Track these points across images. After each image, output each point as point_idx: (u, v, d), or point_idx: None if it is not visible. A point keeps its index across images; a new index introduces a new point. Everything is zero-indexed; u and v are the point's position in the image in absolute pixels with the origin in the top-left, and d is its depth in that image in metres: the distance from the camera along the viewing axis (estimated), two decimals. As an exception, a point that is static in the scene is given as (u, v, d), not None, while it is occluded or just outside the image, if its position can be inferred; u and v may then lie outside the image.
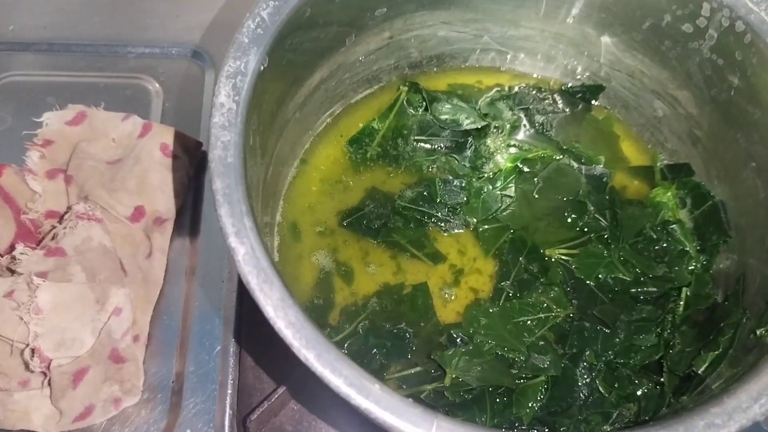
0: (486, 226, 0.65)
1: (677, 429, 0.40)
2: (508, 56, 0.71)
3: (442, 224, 0.65)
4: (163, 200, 0.66)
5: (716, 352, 0.54)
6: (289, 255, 0.62)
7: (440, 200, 0.65)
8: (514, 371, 0.57)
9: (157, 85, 0.78)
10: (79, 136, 0.69)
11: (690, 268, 0.63)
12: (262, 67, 0.49)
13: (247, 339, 0.63)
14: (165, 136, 0.69)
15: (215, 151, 0.45)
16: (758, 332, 0.50)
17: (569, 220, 0.65)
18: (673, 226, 0.64)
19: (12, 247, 0.61)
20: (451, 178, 0.66)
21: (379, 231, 0.63)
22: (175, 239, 0.68)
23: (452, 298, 0.62)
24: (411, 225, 0.64)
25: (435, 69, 0.71)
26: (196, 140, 0.69)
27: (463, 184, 0.66)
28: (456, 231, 0.65)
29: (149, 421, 0.60)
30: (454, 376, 0.56)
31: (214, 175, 0.44)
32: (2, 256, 0.61)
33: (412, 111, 0.69)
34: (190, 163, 0.69)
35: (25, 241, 0.62)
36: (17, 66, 0.77)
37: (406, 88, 0.69)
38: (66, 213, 0.64)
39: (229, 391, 0.62)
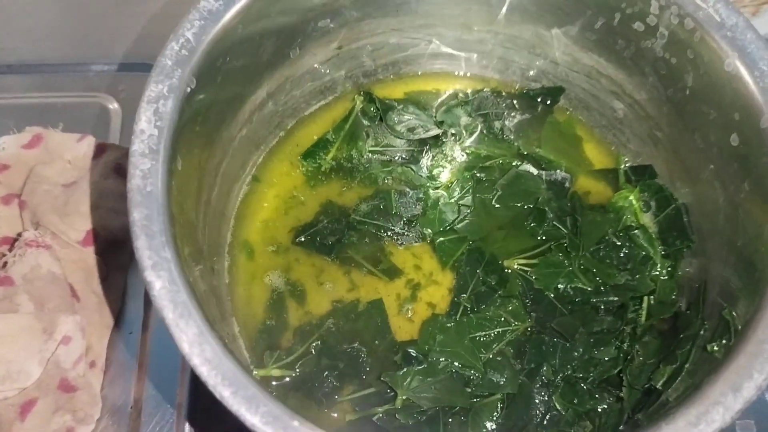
0: (443, 238, 0.63)
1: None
2: (464, 61, 0.69)
3: (398, 238, 0.63)
4: (118, 221, 0.65)
5: (674, 366, 0.52)
6: (241, 276, 0.61)
7: (396, 212, 0.63)
8: (469, 390, 0.55)
9: (116, 104, 0.77)
10: (35, 159, 0.69)
11: (654, 274, 0.61)
12: (188, 89, 0.48)
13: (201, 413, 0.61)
14: (119, 156, 0.68)
15: (133, 181, 0.43)
16: (709, 347, 0.48)
17: (528, 228, 0.63)
18: (636, 231, 0.62)
19: None
20: (407, 189, 0.64)
21: (333, 247, 0.62)
22: (134, 260, 0.66)
23: (409, 314, 0.61)
24: (366, 240, 0.62)
25: (391, 76, 0.70)
26: None
27: (420, 196, 0.64)
28: (413, 244, 0.63)
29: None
30: (404, 397, 0.54)
31: (131, 205, 0.43)
32: None
33: (367, 122, 0.67)
34: None
35: None
36: (-29, 88, 0.77)
37: (360, 98, 0.68)
38: (17, 239, 0.64)
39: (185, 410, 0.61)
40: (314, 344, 0.58)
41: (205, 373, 0.39)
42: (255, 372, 0.56)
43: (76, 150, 0.69)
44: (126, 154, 0.67)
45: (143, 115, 0.45)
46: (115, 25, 0.81)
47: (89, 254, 0.64)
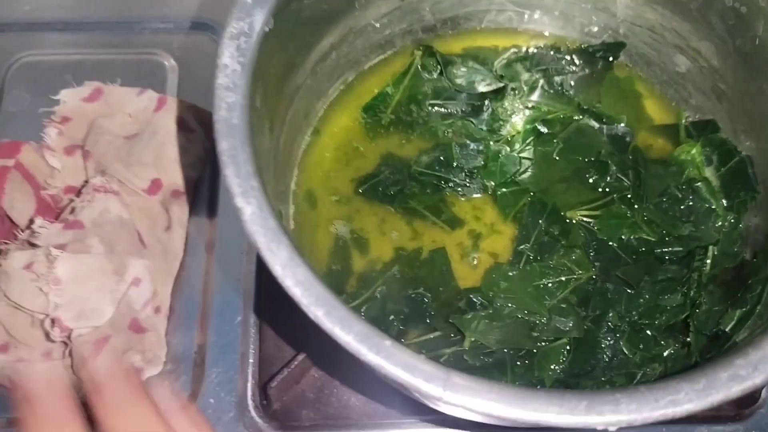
0: (504, 190, 0.63)
1: (699, 381, 0.39)
2: (525, 16, 0.69)
3: (460, 189, 0.63)
4: (180, 173, 0.66)
5: (744, 309, 0.52)
6: (305, 223, 0.62)
7: (457, 164, 0.63)
8: (535, 334, 0.56)
9: (172, 60, 0.77)
10: (95, 112, 0.70)
11: (717, 225, 0.61)
12: (267, 29, 0.48)
13: (266, 309, 0.63)
14: (180, 109, 0.68)
15: (220, 113, 0.44)
16: (785, 286, 0.49)
17: (590, 181, 0.63)
18: (699, 184, 0.62)
19: (32, 222, 0.62)
20: (467, 141, 0.65)
21: (395, 197, 0.62)
22: (194, 213, 0.68)
23: (471, 262, 0.61)
24: (427, 190, 0.63)
25: (450, 32, 0.70)
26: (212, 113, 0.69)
27: (481, 148, 0.64)
28: (474, 195, 0.64)
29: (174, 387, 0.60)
30: (473, 339, 0.55)
31: (218, 136, 0.43)
32: (23, 231, 0.61)
33: (426, 75, 0.67)
34: (206, 136, 0.68)
35: (45, 216, 0.63)
36: (34, 45, 0.78)
37: (420, 53, 0.68)
38: (83, 187, 0.65)
39: (251, 361, 0.62)
40: (379, 289, 0.59)
41: (299, 294, 0.39)
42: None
43: (136, 103, 0.69)
44: (187, 108, 0.69)
45: (226, 50, 0.46)
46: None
47: (154, 203, 0.65)
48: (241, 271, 0.65)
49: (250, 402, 0.60)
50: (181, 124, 0.68)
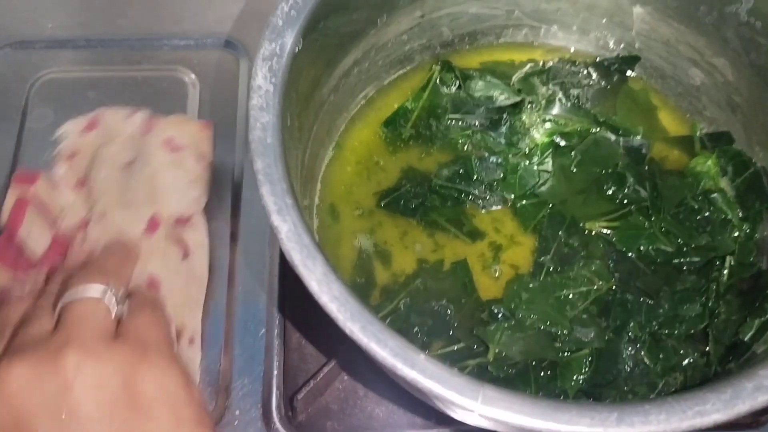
0: (524, 202, 0.64)
1: (725, 392, 0.40)
2: (541, 31, 0.70)
3: (480, 201, 0.65)
4: (178, 199, 0.64)
5: (763, 318, 0.53)
6: (329, 237, 0.63)
7: (477, 177, 0.65)
8: (557, 345, 0.57)
9: (193, 76, 0.79)
10: (96, 141, 0.68)
11: (734, 236, 0.62)
12: (297, 49, 0.50)
13: (292, 319, 0.64)
14: (168, 129, 0.66)
15: (255, 132, 0.45)
16: (804, 296, 0.50)
17: (608, 192, 0.64)
18: (715, 195, 0.63)
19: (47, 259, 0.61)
20: (487, 154, 0.66)
21: (417, 210, 0.63)
22: (215, 226, 0.68)
23: (493, 274, 0.62)
24: (448, 203, 0.64)
25: (467, 47, 0.71)
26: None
27: (500, 161, 0.65)
28: (494, 208, 0.65)
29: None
30: (497, 350, 0.56)
31: (254, 155, 0.45)
32: (33, 267, 0.61)
33: (445, 90, 0.69)
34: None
35: (57, 253, 0.62)
36: (57, 63, 0.79)
37: (438, 67, 0.69)
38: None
39: (275, 372, 0.63)
40: (402, 302, 0.60)
41: (335, 309, 0.40)
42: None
43: (128, 126, 0.67)
44: (175, 126, 0.67)
45: (260, 71, 0.47)
46: (190, 2, 0.83)
47: (157, 240, 0.62)
48: (266, 281, 0.66)
49: (275, 414, 0.61)
50: (170, 145, 0.65)
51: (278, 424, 0.60)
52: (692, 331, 0.58)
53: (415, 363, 0.39)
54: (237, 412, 0.61)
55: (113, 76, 0.79)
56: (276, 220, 0.43)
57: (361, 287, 0.61)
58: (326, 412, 0.62)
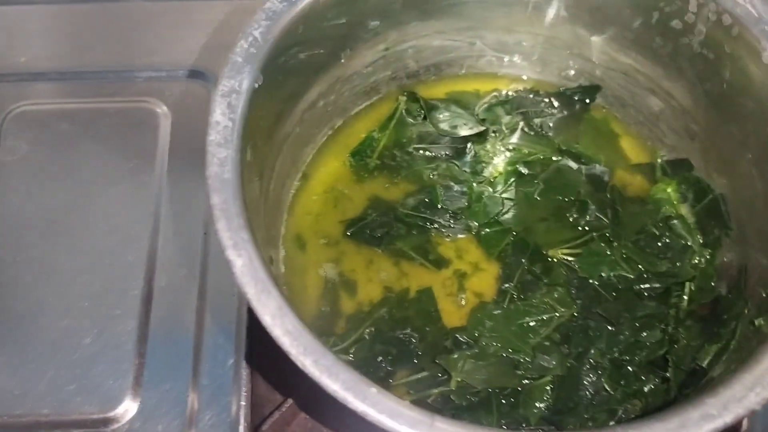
0: (488, 230, 0.65)
1: (672, 421, 0.40)
2: (504, 61, 0.71)
3: (444, 230, 0.65)
4: None
5: (719, 345, 0.54)
6: (295, 266, 0.64)
7: (442, 206, 0.66)
8: (519, 372, 0.58)
9: (165, 108, 0.79)
10: None
11: (694, 262, 0.63)
12: (256, 85, 0.51)
13: (257, 355, 0.65)
14: None
15: (212, 168, 0.46)
16: (757, 322, 0.51)
17: (571, 220, 0.65)
18: (675, 221, 0.64)
19: None
20: (452, 183, 0.67)
21: (382, 239, 0.64)
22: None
23: (457, 301, 0.63)
24: (413, 232, 0.65)
25: (433, 78, 0.73)
26: None
27: (464, 190, 0.66)
28: (459, 236, 0.66)
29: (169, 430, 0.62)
30: (459, 379, 0.57)
31: (210, 191, 0.45)
32: None
33: (411, 120, 0.70)
34: None
35: None
36: (30, 95, 0.80)
37: (404, 98, 0.70)
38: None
39: (243, 404, 0.63)
40: (367, 330, 0.60)
41: (288, 343, 0.41)
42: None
43: None
44: None
45: (218, 107, 0.48)
46: (161, 34, 0.84)
47: None
48: (233, 315, 0.66)
49: None
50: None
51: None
52: (652, 358, 0.59)
53: (366, 396, 0.40)
54: (204, 443, 0.62)
55: (86, 108, 0.80)
56: (231, 254, 0.43)
57: (327, 316, 0.62)
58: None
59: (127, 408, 0.63)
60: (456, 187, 0.66)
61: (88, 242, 0.71)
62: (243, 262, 0.43)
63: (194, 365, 0.65)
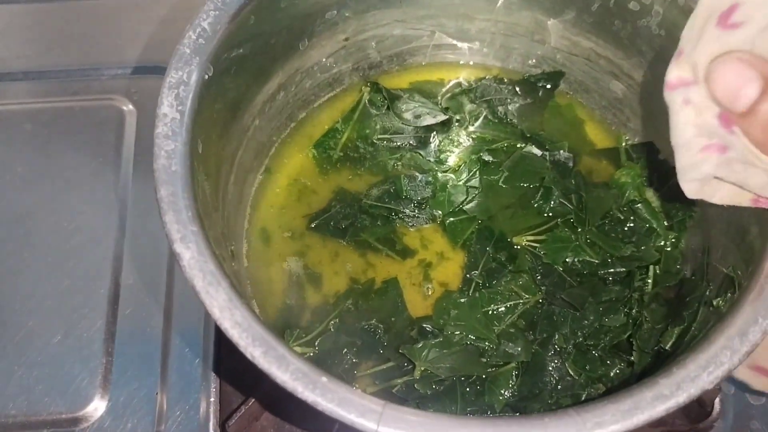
0: (453, 219, 0.65)
1: (625, 402, 0.40)
2: (466, 50, 0.71)
3: (409, 220, 0.65)
4: None
5: (681, 327, 0.54)
6: (259, 260, 0.63)
7: (406, 196, 0.65)
8: (484, 360, 0.57)
9: (130, 105, 0.79)
10: None
11: (658, 245, 0.63)
12: (206, 77, 0.50)
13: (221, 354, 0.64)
14: None
15: (159, 161, 0.46)
16: (715, 302, 0.50)
17: (535, 206, 0.65)
18: (639, 205, 0.64)
19: None
20: (416, 174, 0.67)
21: (347, 231, 0.64)
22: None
23: (423, 291, 0.63)
24: (378, 222, 0.64)
25: (396, 68, 0.72)
26: None
27: (429, 179, 0.66)
28: (424, 225, 0.65)
29: (138, 428, 0.62)
30: (423, 368, 0.56)
31: (158, 183, 0.45)
32: None
33: (374, 111, 0.69)
34: None
35: None
36: (-6, 96, 0.79)
37: (368, 89, 0.70)
38: None
39: (212, 399, 0.63)
40: (332, 322, 0.60)
41: (236, 335, 0.41)
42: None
43: None
44: None
45: (165, 99, 0.48)
46: (125, 30, 0.84)
47: None
48: (201, 314, 0.67)
49: None
50: None
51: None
52: (617, 342, 0.58)
53: (316, 386, 0.40)
54: (174, 439, 0.62)
55: (50, 107, 0.79)
56: (178, 247, 0.43)
57: (292, 310, 0.62)
58: (260, 439, 0.62)
59: (96, 407, 0.63)
60: (420, 177, 0.66)
61: (54, 241, 0.71)
62: (191, 254, 0.43)
63: (162, 363, 0.65)
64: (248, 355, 0.40)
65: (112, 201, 0.73)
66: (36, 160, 0.75)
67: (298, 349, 0.59)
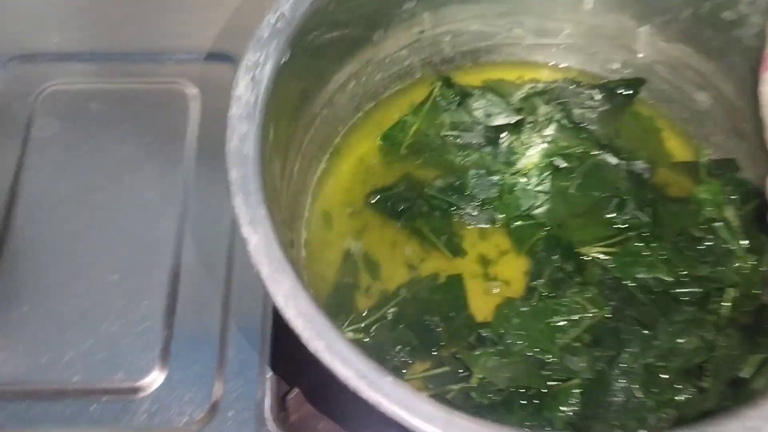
0: (520, 222, 0.63)
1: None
2: (545, 50, 0.69)
3: (469, 218, 0.63)
4: None
5: (763, 355, 0.51)
6: (318, 246, 0.62)
7: (470, 192, 0.63)
8: (545, 373, 0.55)
9: (195, 90, 0.78)
10: None
11: (736, 266, 0.60)
12: (282, 61, 0.49)
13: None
14: None
15: (231, 143, 0.44)
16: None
17: (607, 217, 0.62)
18: (718, 224, 0.61)
19: None
20: (485, 171, 0.64)
21: (403, 213, 0.62)
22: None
23: (485, 293, 0.60)
24: (436, 213, 0.62)
25: (469, 64, 0.70)
26: None
27: (497, 180, 0.64)
28: (484, 225, 0.63)
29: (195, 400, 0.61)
30: (481, 376, 0.54)
31: (230, 165, 0.44)
32: None
33: (445, 106, 0.67)
34: None
35: None
36: (61, 75, 0.79)
37: (439, 83, 0.68)
38: None
39: (269, 375, 0.62)
40: (391, 311, 0.58)
41: (300, 325, 0.39)
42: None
43: None
44: None
45: (241, 81, 0.47)
46: (196, 17, 0.83)
47: None
48: (260, 294, 0.65)
49: (268, 415, 0.59)
50: None
51: (271, 426, 0.59)
52: (689, 366, 0.55)
53: (382, 386, 0.38)
54: (230, 413, 0.60)
55: (116, 88, 0.79)
56: (246, 231, 0.41)
57: (347, 293, 0.60)
58: (318, 414, 0.60)
59: (155, 378, 0.63)
60: (489, 176, 0.64)
61: (117, 219, 0.70)
62: (258, 239, 0.41)
63: (221, 339, 0.64)
64: (311, 348, 0.39)
65: (174, 182, 0.72)
66: (101, 138, 0.75)
67: (351, 334, 0.57)
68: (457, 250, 0.61)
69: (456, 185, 0.63)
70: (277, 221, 0.46)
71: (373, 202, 0.63)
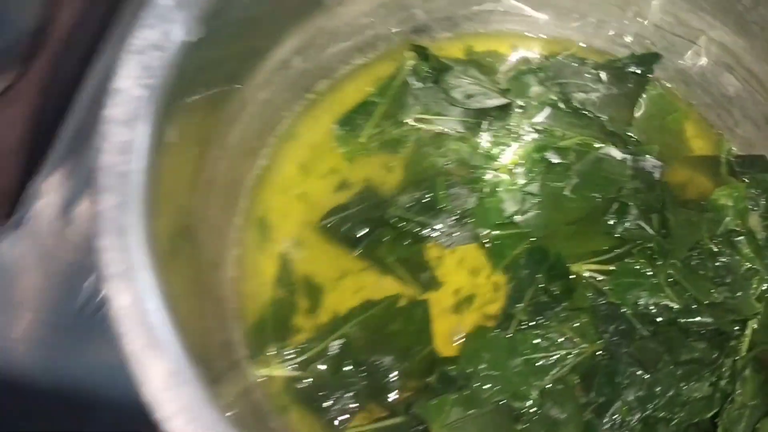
0: (499, 232, 0.53)
1: None
2: (540, 18, 0.57)
3: (447, 240, 0.52)
4: None
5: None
6: (250, 266, 0.51)
7: (444, 206, 0.52)
8: (520, 427, 0.46)
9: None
10: None
11: (759, 292, 0.50)
12: (192, 39, 0.38)
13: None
14: None
15: (105, 157, 0.34)
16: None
17: (605, 225, 0.52)
18: (740, 237, 0.51)
19: None
20: (458, 177, 0.54)
21: (361, 241, 0.52)
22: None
23: (450, 322, 0.51)
24: (403, 239, 0.52)
25: (447, 34, 0.58)
26: None
27: (474, 184, 0.53)
28: (461, 245, 0.53)
29: None
30: (441, 433, 0.45)
31: (99, 189, 0.33)
32: None
33: (418, 83, 0.56)
34: None
35: None
36: None
37: (412, 54, 0.56)
38: None
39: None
40: (335, 342, 0.49)
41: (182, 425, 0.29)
42: (257, 370, 0.48)
43: None
44: None
45: (123, 70, 0.35)
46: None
47: None
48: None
49: None
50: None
51: None
52: (697, 419, 0.46)
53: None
54: None
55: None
56: (114, 286, 0.31)
57: (285, 320, 0.50)
58: None
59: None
60: (463, 183, 0.53)
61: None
62: (129, 300, 0.31)
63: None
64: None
65: None
66: None
67: (282, 371, 0.48)
68: (430, 284, 0.52)
69: (425, 201, 0.52)
70: (170, 253, 0.36)
71: (324, 225, 0.52)
